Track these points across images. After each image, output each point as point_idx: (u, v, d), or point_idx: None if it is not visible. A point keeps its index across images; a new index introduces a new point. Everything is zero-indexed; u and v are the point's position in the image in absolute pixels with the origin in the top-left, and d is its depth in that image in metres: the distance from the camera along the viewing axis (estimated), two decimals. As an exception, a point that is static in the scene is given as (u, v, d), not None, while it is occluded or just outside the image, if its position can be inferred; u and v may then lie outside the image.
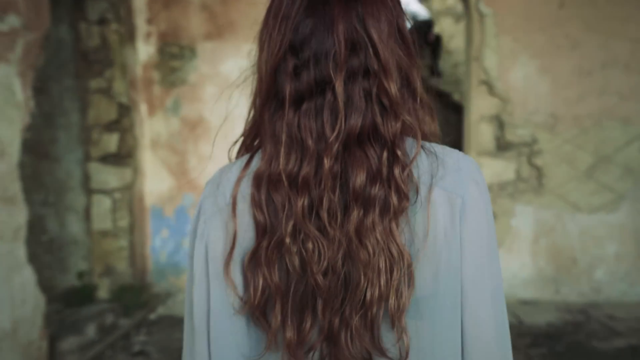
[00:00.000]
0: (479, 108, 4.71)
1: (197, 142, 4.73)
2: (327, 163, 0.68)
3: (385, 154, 0.69)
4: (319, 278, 0.68)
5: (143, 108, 4.70)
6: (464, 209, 0.71)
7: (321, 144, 0.69)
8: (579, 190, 4.62)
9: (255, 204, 0.71)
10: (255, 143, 0.78)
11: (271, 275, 0.69)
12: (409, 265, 0.68)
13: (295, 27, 0.71)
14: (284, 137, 0.70)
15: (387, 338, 0.69)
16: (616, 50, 4.57)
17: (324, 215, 0.68)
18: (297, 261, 0.69)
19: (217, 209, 0.75)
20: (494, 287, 0.72)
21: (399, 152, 0.70)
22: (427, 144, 0.74)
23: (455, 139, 7.22)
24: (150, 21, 4.63)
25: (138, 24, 4.61)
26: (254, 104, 0.77)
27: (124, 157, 4.45)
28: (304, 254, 0.69)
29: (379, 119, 0.70)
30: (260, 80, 0.75)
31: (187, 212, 4.78)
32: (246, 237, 0.73)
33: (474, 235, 0.71)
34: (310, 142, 0.69)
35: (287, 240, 0.69)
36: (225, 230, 0.74)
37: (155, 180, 4.74)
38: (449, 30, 7.02)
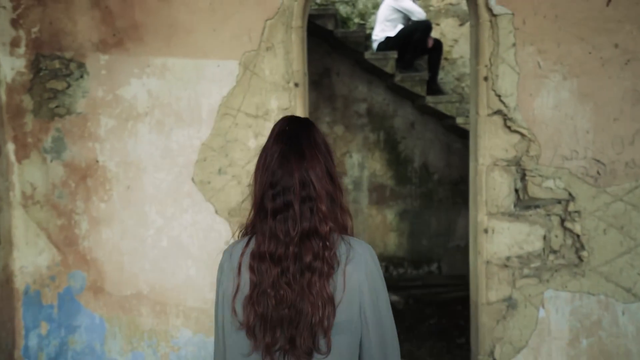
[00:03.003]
0: (491, 148, 3.48)
1: (88, 197, 3.47)
2: (291, 248, 1.42)
3: (321, 244, 1.42)
4: (286, 311, 1.40)
5: (10, 148, 3.44)
6: (364, 276, 1.46)
7: (288, 238, 1.43)
8: (635, 269, 3.37)
9: (251, 269, 1.45)
10: (250, 230, 1.53)
11: (258, 308, 1.42)
12: (334, 304, 1.41)
13: (272, 173, 1.46)
14: (267, 233, 1.44)
15: (321, 343, 1.41)
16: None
17: (289, 276, 1.41)
18: (273, 301, 1.41)
19: (230, 269, 1.51)
20: (381, 317, 1.48)
21: (328, 243, 1.43)
22: (345, 237, 1.48)
23: (461, 175, 6.00)
24: (16, 21, 3.37)
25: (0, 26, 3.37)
26: (250, 212, 1.52)
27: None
28: (278, 297, 1.40)
29: (317, 224, 1.43)
30: (254, 201, 1.50)
31: (77, 297, 3.50)
32: (245, 286, 1.46)
33: (370, 289, 1.46)
34: (281, 236, 1.43)
35: (268, 290, 1.41)
36: (233, 282, 1.49)
37: (28, 252, 3.47)
38: (452, 34, 6.01)
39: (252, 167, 3.10)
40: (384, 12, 5.61)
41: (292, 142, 1.49)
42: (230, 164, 3.58)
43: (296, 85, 3.63)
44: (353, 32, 5.48)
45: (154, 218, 3.56)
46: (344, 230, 1.50)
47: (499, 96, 3.61)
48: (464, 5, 5.99)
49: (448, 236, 5.96)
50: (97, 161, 3.56)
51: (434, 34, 5.88)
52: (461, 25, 6.06)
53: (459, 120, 5.44)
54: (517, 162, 3.55)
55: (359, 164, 5.96)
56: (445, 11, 6.07)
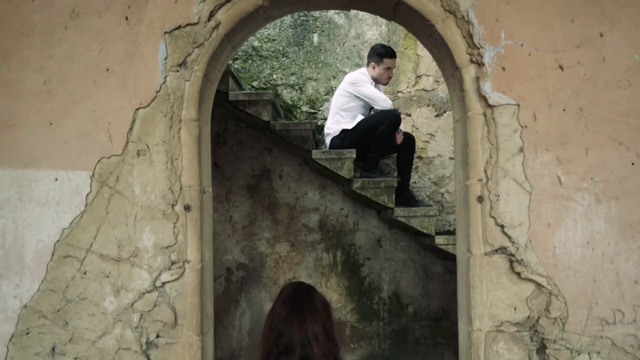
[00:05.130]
0: (491, 305, 2.52)
1: None
2: None
3: None
4: None
5: None
6: None
7: None
8: None
9: None
10: None
11: None
12: None
13: (277, 333, 1.72)
14: None
15: None
16: None
17: None
18: None
19: None
20: None
21: None
22: None
23: (443, 308, 4.90)
24: None
25: None
26: None
27: None
28: None
29: None
30: (261, 356, 1.75)
31: None
32: None
33: None
34: None
35: None
36: None
37: None
38: (426, 127, 5.31)
39: (109, 342, 2.51)
40: (339, 100, 4.73)
41: (295, 306, 1.77)
42: (71, 338, 2.33)
43: (187, 209, 2.43)
44: (297, 125, 4.47)
45: None
46: None
47: (502, 227, 2.56)
48: (441, 92, 5.07)
49: (429, 389, 4.92)
50: None
51: (404, 126, 5.02)
52: (438, 115, 5.18)
53: (440, 241, 4.43)
54: (532, 327, 2.52)
55: None
56: (417, 98, 5.18)
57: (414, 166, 5.03)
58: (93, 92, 2.45)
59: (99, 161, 2.46)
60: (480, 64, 2.53)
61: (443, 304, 4.99)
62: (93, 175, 2.45)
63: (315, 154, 4.40)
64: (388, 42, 5.03)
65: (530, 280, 2.49)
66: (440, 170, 5.16)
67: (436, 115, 5.16)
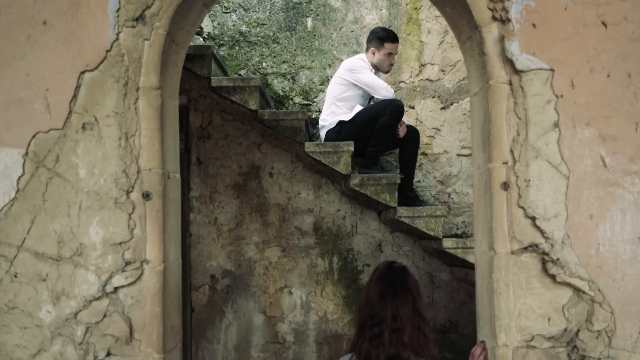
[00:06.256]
0: (519, 315, 2.20)
1: None
2: None
3: None
4: None
5: None
6: None
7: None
8: None
9: None
10: (351, 348, 2.05)
11: None
12: None
13: (372, 307, 1.96)
14: (363, 354, 1.94)
15: None
16: None
17: None
18: None
19: None
20: None
21: None
22: None
23: (450, 320, 4.63)
24: None
25: None
26: (355, 334, 2.05)
27: None
28: None
29: (400, 351, 1.90)
30: (357, 326, 2.02)
31: None
32: None
33: None
34: (373, 358, 1.92)
35: None
36: None
37: None
38: (432, 121, 4.95)
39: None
40: (335, 88, 4.47)
41: (389, 283, 1.99)
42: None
43: (146, 196, 1.98)
44: (288, 114, 4.12)
45: None
46: (430, 358, 1.96)
47: (533, 219, 2.13)
48: (447, 82, 4.75)
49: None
50: None
51: (407, 120, 4.72)
52: (444, 108, 4.92)
53: (447, 244, 4.09)
54: (569, 342, 2.10)
55: (302, 304, 4.71)
56: (421, 89, 4.90)
57: (417, 163, 4.77)
58: (26, 51, 2.02)
59: (34, 136, 2.00)
60: (504, 21, 2.09)
61: (450, 315, 4.72)
62: (27, 153, 2.00)
63: (309, 147, 4.06)
64: (389, 27, 4.75)
65: (568, 284, 2.05)
66: (447, 168, 4.89)
67: (442, 108, 4.89)
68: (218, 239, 4.48)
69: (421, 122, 4.86)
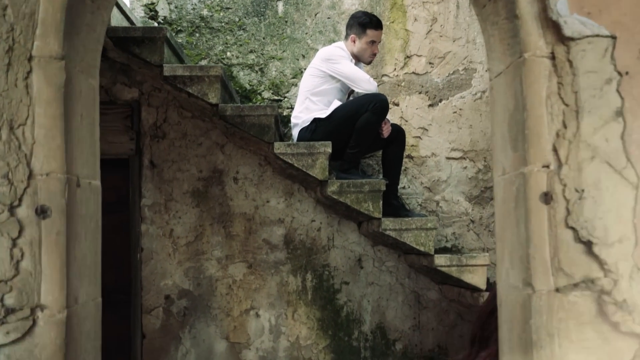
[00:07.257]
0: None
1: None
2: None
3: None
4: None
5: None
6: None
7: None
8: None
9: None
10: None
11: None
12: None
13: (484, 323, 1.87)
14: None
15: None
16: None
17: None
18: None
19: None
20: None
21: None
22: None
23: (439, 344, 4.42)
24: None
25: None
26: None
27: None
28: None
29: None
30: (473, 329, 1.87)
31: None
32: None
33: None
34: None
35: None
36: None
37: None
38: (418, 120, 4.70)
39: None
40: (310, 81, 4.17)
41: None
42: None
43: (42, 212, 1.36)
44: (254, 109, 3.66)
45: None
46: None
47: (588, 243, 1.58)
48: (435, 76, 4.44)
49: None
50: None
51: (392, 117, 4.40)
52: (432, 105, 4.66)
53: (440, 262, 3.76)
54: None
55: (270, 329, 4.49)
56: (407, 84, 4.62)
57: (402, 167, 4.43)
58: None
59: None
60: (547, -30, 1.53)
61: (439, 339, 4.45)
62: None
63: (279, 148, 3.61)
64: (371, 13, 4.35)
65: (637, 335, 1.49)
66: (435, 173, 4.62)
67: (430, 105, 4.60)
68: (174, 254, 4.17)
69: (406, 121, 4.57)
